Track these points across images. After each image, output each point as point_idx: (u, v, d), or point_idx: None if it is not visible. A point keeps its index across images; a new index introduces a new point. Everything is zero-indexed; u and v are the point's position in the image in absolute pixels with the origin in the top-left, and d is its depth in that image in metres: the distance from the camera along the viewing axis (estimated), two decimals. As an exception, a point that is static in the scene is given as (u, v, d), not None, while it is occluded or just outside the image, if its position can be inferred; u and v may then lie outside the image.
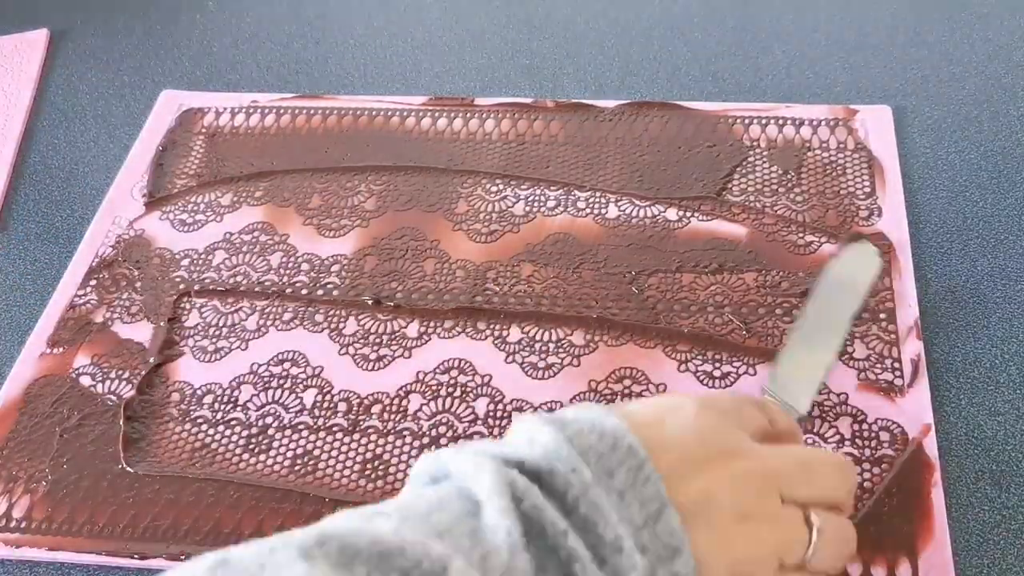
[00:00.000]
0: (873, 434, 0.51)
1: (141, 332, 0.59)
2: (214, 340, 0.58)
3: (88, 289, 0.61)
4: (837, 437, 0.51)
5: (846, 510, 0.39)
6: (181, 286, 0.61)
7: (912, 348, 0.54)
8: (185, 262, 0.62)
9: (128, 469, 0.53)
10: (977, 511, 0.49)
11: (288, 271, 0.61)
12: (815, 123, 0.66)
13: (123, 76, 0.76)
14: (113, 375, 0.57)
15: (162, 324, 0.59)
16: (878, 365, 0.54)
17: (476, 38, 0.76)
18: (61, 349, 0.58)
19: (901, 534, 0.47)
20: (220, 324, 0.59)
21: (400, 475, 0.52)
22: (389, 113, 0.70)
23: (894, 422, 0.51)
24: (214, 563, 0.28)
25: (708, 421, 0.37)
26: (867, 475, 0.50)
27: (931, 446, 0.50)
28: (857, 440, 0.51)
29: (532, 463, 0.33)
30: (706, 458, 0.35)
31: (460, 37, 0.76)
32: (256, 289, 0.60)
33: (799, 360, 0.46)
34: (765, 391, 0.47)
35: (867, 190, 0.62)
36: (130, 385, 0.56)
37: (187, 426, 0.54)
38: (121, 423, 0.54)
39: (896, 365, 0.54)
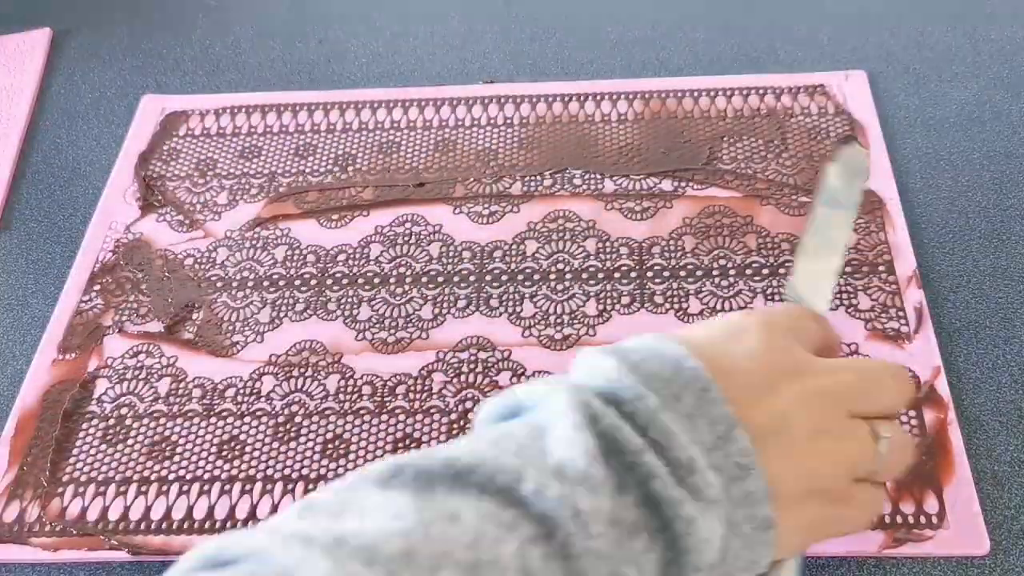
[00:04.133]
0: (886, 379, 0.53)
1: (153, 332, 0.59)
2: (228, 335, 0.58)
3: (93, 294, 0.61)
4: (853, 384, 0.53)
5: (898, 416, 0.39)
6: (188, 284, 0.61)
7: (914, 296, 0.56)
8: (188, 261, 0.62)
9: (157, 466, 0.53)
10: (992, 443, 0.51)
11: (295, 263, 0.61)
12: (794, 91, 0.68)
13: (125, 75, 0.76)
14: (129, 376, 0.57)
15: (174, 323, 0.59)
16: (883, 315, 0.56)
17: (454, 26, 0.77)
18: (74, 355, 0.58)
19: (925, 471, 0.50)
20: (233, 319, 0.59)
21: (432, 452, 0.52)
22: (375, 105, 0.71)
23: (905, 367, 0.53)
24: (302, 508, 0.29)
25: (772, 342, 0.36)
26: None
27: (942, 386, 0.53)
28: (872, 386, 0.53)
29: (599, 391, 0.32)
30: (773, 380, 0.35)
31: (440, 27, 0.77)
32: (265, 283, 0.60)
33: (813, 266, 0.47)
34: (786, 299, 0.46)
35: (851, 151, 0.64)
36: (147, 385, 0.56)
37: (212, 420, 0.54)
38: (144, 422, 0.54)
39: (900, 314, 0.56)
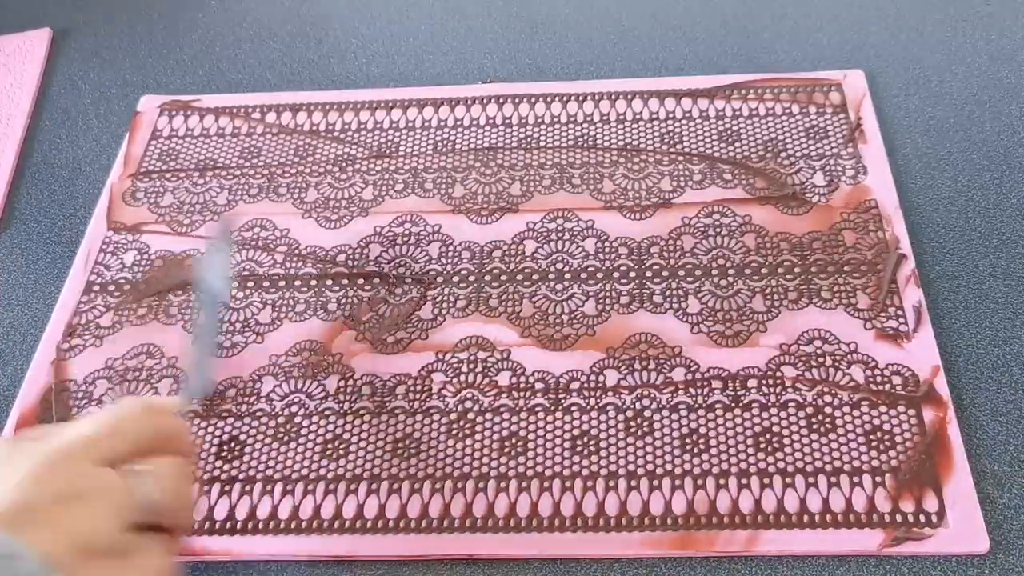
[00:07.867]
0: (886, 379, 0.53)
1: (152, 334, 0.59)
2: (228, 335, 0.58)
3: (92, 295, 0.61)
4: (852, 384, 0.53)
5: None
6: (188, 286, 0.61)
7: (913, 295, 0.56)
8: (188, 262, 0.62)
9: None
10: (992, 442, 0.51)
11: (294, 263, 0.61)
12: (794, 91, 0.68)
13: (125, 75, 0.76)
14: (129, 377, 0.57)
15: (172, 324, 0.59)
16: (882, 314, 0.56)
17: (454, 26, 0.77)
18: (73, 355, 0.58)
19: (924, 469, 0.50)
20: (233, 319, 0.59)
21: (432, 451, 0.52)
22: (375, 105, 0.71)
23: (904, 366, 0.54)
24: None
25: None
26: (886, 417, 0.52)
27: (942, 386, 0.53)
28: (872, 385, 0.53)
29: None
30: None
31: (440, 27, 0.77)
32: (265, 283, 0.60)
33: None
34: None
35: (850, 150, 0.64)
36: (147, 386, 0.56)
37: (213, 420, 0.54)
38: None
39: (899, 312, 0.56)
